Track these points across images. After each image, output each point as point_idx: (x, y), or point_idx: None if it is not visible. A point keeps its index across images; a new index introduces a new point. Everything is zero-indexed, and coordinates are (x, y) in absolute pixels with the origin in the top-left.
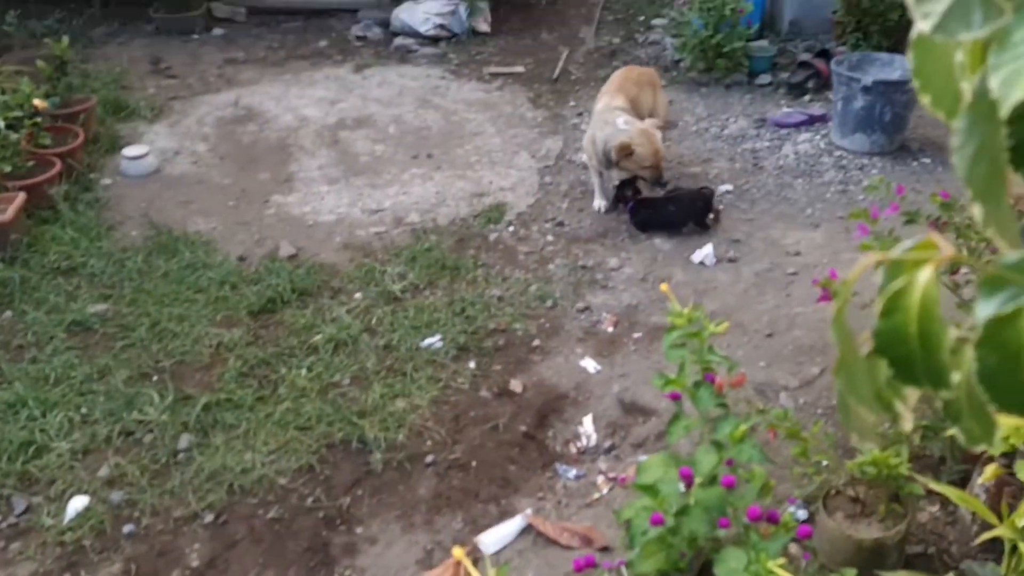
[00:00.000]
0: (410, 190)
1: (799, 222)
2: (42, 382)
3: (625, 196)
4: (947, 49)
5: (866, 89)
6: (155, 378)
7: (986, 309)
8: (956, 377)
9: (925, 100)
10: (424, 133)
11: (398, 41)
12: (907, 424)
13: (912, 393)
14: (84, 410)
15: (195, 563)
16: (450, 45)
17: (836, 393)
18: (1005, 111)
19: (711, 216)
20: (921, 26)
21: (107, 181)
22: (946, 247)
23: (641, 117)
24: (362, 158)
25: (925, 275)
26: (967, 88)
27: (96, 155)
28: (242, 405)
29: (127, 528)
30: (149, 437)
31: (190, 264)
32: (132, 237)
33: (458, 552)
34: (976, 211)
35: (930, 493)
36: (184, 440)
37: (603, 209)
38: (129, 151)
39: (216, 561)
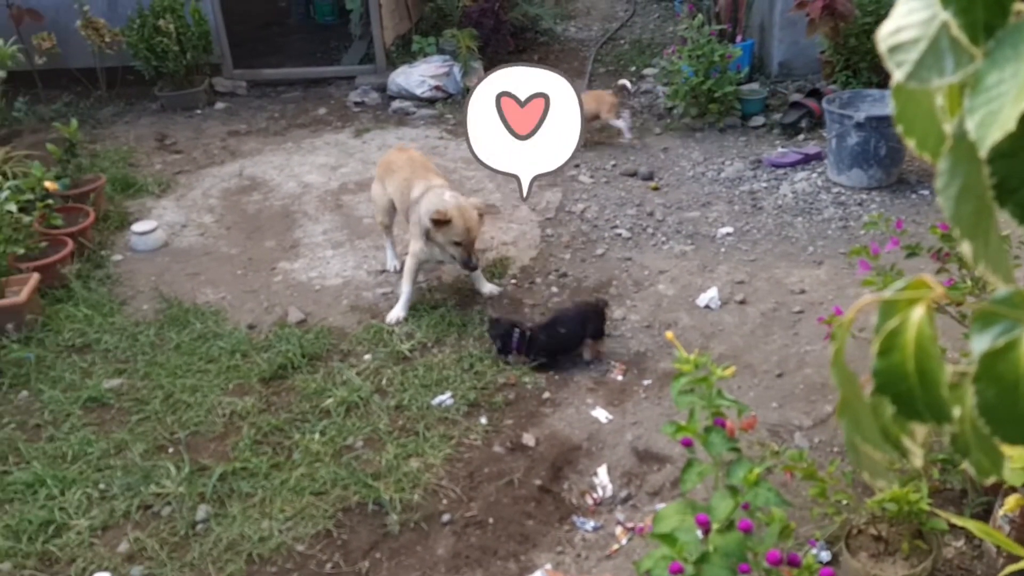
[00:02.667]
0: None
1: (802, 260)
2: (59, 460)
3: (510, 337)
4: (927, 94)
5: (859, 125)
6: (171, 450)
7: (981, 343)
8: (957, 411)
9: (911, 143)
10: None
11: (395, 104)
12: (916, 460)
13: (919, 429)
14: (102, 486)
15: None
16: (447, 105)
17: (844, 433)
18: (984, 151)
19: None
20: (896, 75)
21: (118, 257)
22: (936, 285)
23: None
24: (365, 221)
25: (918, 313)
26: (948, 130)
27: (106, 232)
28: (257, 473)
29: None
30: (167, 510)
31: (201, 335)
32: (144, 311)
33: None
34: (966, 248)
35: (953, 527)
36: (202, 511)
37: (400, 320)
38: (138, 227)
39: None
